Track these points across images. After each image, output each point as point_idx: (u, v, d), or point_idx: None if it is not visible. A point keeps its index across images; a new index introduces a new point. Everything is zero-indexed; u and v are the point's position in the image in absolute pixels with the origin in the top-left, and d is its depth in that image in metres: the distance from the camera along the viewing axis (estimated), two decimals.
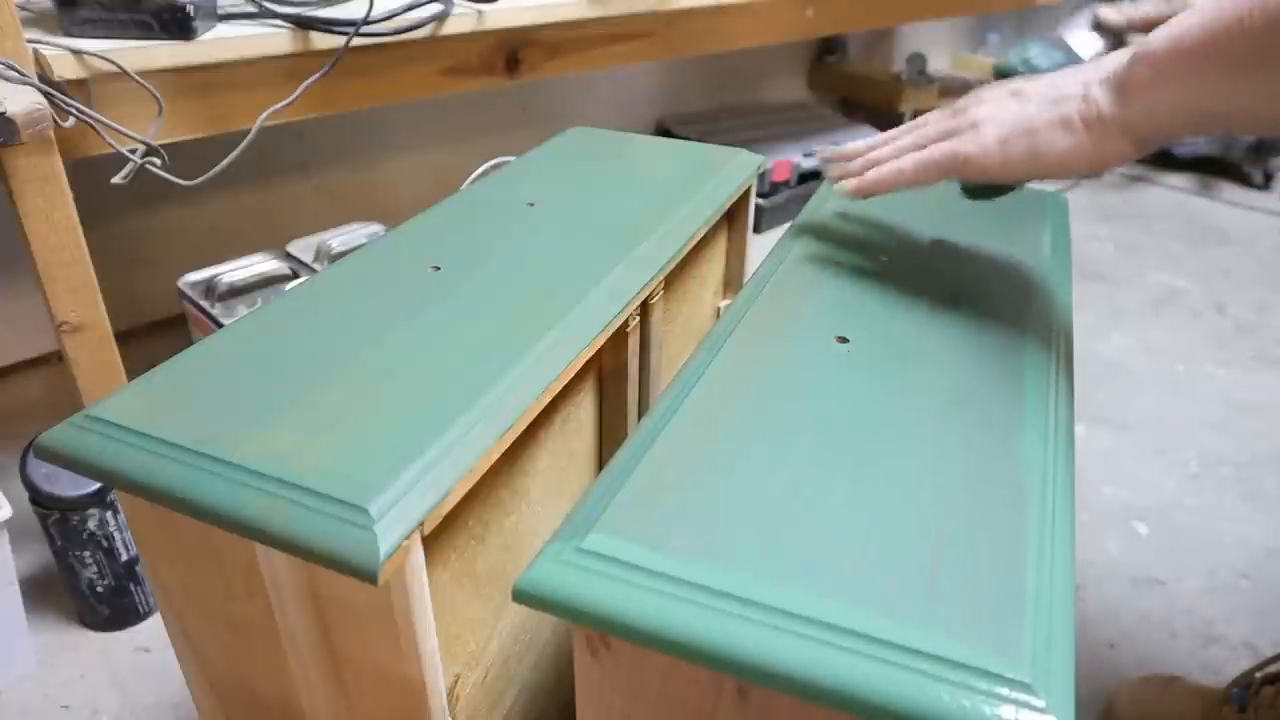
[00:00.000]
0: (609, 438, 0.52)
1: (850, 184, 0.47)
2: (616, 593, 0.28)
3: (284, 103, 0.76)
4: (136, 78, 0.68)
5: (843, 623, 0.27)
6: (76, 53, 0.66)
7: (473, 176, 0.88)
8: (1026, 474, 0.34)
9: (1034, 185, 0.62)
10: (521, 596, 0.28)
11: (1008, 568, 0.29)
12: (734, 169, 0.62)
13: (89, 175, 0.72)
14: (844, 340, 0.42)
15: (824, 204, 0.59)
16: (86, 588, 0.78)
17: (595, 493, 0.32)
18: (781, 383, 0.39)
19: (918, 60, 2.04)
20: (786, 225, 1.76)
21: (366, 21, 0.79)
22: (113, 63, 0.66)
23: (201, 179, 0.72)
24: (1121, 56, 0.40)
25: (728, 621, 0.27)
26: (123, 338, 0.74)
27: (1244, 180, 2.08)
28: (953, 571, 0.29)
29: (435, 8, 0.85)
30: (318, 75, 0.78)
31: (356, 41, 0.79)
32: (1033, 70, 0.51)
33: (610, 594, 0.28)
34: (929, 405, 0.38)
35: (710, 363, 0.40)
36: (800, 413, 0.37)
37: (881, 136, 0.51)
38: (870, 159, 0.49)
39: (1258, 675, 0.64)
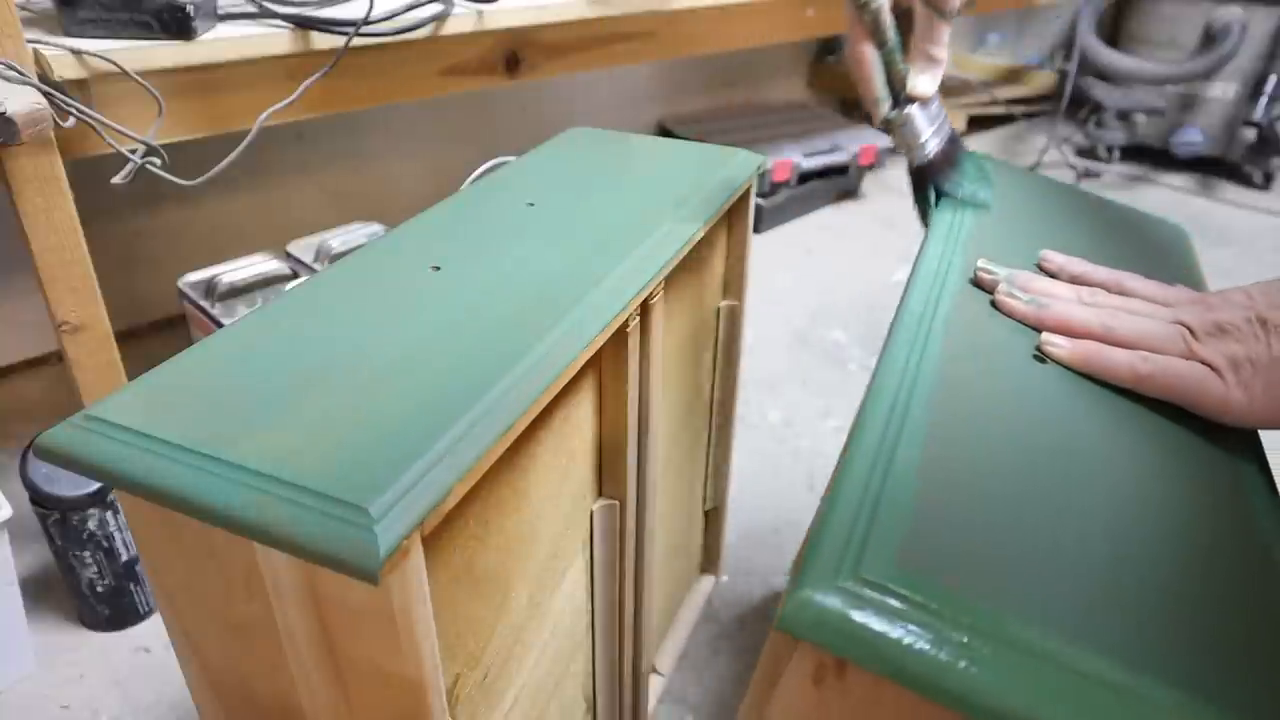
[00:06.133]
0: (609, 438, 0.52)
1: (1064, 355, 0.39)
2: (896, 630, 0.25)
3: (284, 103, 0.77)
4: (136, 78, 0.68)
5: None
6: (76, 53, 0.66)
7: (473, 176, 0.88)
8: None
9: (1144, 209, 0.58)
10: (792, 618, 0.26)
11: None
12: (734, 169, 0.62)
13: (89, 175, 0.72)
14: (1041, 360, 0.39)
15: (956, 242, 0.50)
16: (86, 588, 0.78)
17: (843, 514, 0.29)
18: (998, 400, 0.36)
19: None
20: (786, 225, 1.76)
21: (366, 21, 0.79)
22: (113, 63, 0.66)
23: (201, 179, 0.72)
24: None
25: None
26: (123, 338, 0.74)
27: (1244, 180, 2.08)
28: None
29: (435, 8, 0.85)
30: (318, 75, 0.78)
31: (356, 41, 0.79)
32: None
33: (892, 631, 0.25)
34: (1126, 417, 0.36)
35: (918, 372, 0.36)
36: (1028, 435, 0.34)
37: (1071, 270, 0.44)
38: (1068, 319, 0.40)
39: None
